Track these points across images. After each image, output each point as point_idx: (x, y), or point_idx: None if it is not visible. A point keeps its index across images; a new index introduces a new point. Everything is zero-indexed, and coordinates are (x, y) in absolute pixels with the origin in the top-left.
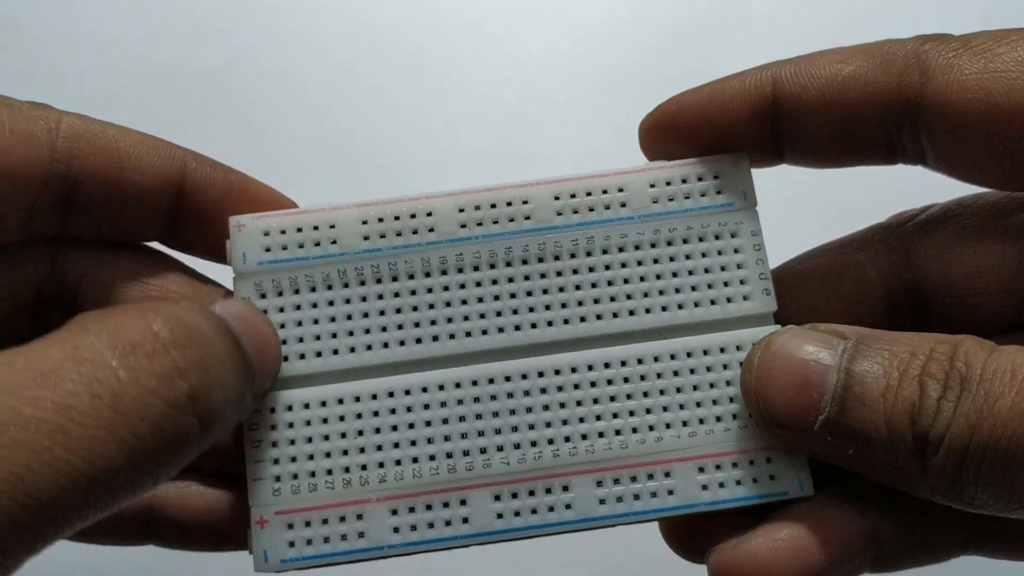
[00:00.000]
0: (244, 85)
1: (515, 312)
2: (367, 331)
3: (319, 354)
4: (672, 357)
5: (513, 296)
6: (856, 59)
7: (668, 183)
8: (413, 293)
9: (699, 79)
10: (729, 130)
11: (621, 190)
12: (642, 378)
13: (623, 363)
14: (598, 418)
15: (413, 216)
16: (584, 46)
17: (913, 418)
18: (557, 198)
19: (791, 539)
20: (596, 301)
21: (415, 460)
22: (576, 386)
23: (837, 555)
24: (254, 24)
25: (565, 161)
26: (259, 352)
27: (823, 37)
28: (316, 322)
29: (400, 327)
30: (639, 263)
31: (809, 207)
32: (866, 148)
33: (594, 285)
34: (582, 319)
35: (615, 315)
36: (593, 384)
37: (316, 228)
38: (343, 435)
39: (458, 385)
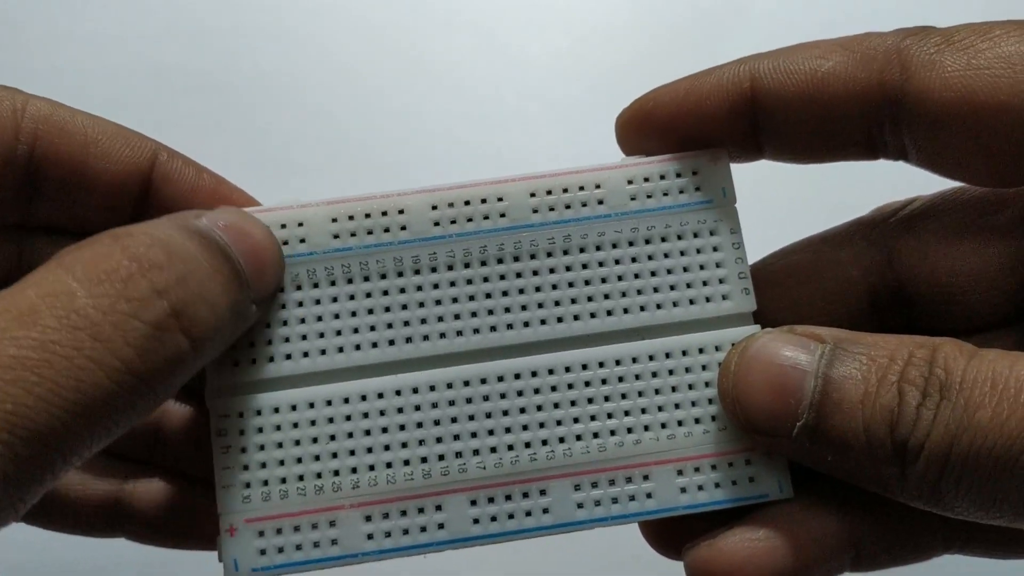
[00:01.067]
0: (244, 85)
1: (490, 313)
2: (338, 333)
3: (289, 356)
4: (650, 358)
5: (488, 296)
6: (836, 54)
7: (646, 179)
8: (385, 294)
9: None
10: (707, 125)
11: (598, 187)
12: (620, 380)
13: (601, 364)
14: (575, 421)
15: (385, 214)
16: (584, 46)
17: (892, 426)
18: (533, 195)
19: (767, 539)
20: (573, 301)
21: (389, 465)
22: (553, 388)
23: (814, 556)
24: (254, 24)
25: (565, 161)
26: (253, 259)
27: (824, 36)
28: (285, 323)
29: (372, 329)
30: (616, 262)
31: (790, 201)
32: (847, 144)
33: (571, 285)
34: (559, 320)
35: (592, 315)
36: (570, 386)
37: (284, 226)
38: (314, 440)
39: (432, 388)
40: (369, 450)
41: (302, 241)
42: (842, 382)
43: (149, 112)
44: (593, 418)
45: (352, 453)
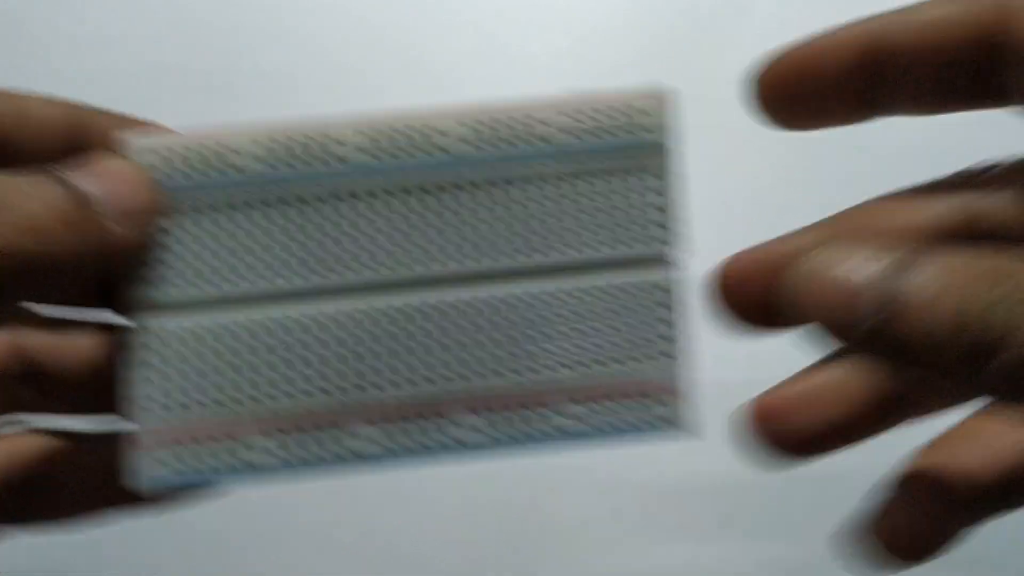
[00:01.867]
0: (243, 84)
1: (417, 245)
2: (261, 258)
3: (204, 278)
4: (572, 295)
5: (416, 228)
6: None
7: (589, 116)
8: (311, 222)
9: (700, 77)
10: (827, 85)
11: (540, 121)
12: (539, 315)
13: (521, 299)
14: (494, 354)
15: (321, 144)
16: (584, 46)
17: (965, 328)
18: (473, 129)
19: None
20: (503, 236)
21: (296, 388)
22: (474, 321)
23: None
24: (253, 24)
25: None
26: (105, 180)
27: None
28: (209, 248)
29: (295, 255)
30: (548, 200)
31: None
32: (966, 89)
33: (502, 220)
34: (485, 254)
35: (520, 252)
36: (492, 320)
37: (215, 152)
38: (227, 361)
39: (353, 316)
40: (279, 373)
41: (232, 166)
42: (915, 286)
43: (149, 112)
44: (512, 352)
45: (259, 375)
